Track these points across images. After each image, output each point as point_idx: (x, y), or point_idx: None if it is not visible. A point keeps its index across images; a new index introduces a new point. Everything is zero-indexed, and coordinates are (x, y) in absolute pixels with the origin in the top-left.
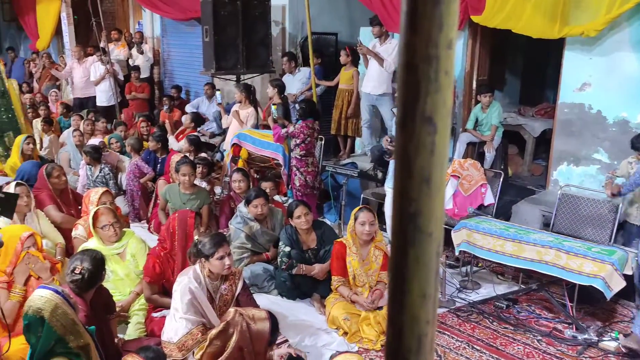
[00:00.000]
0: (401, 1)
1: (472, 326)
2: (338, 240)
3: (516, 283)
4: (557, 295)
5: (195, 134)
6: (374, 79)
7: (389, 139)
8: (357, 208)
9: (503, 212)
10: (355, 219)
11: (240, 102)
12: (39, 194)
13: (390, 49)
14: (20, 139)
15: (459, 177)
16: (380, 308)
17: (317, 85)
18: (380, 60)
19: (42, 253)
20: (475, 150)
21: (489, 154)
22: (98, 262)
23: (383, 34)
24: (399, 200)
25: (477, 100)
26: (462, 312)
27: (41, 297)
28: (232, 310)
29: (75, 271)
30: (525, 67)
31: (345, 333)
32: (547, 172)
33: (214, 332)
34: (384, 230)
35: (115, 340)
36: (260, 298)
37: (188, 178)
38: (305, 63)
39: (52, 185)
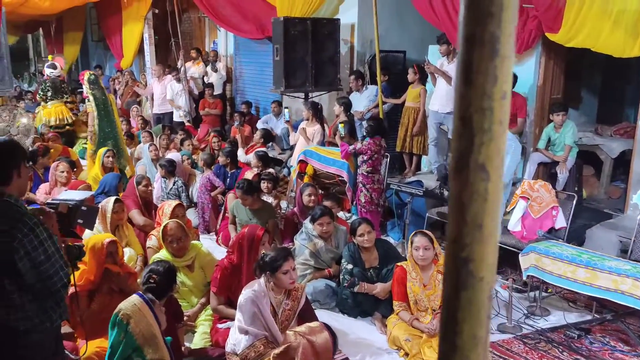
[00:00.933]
0: (457, 56)
1: (539, 355)
2: (399, 264)
3: (589, 312)
4: (635, 327)
5: (264, 149)
6: (442, 97)
7: None
8: (414, 233)
9: (576, 236)
10: (412, 243)
11: (307, 119)
12: (125, 200)
13: None
14: (101, 151)
15: (528, 199)
16: None
17: (383, 103)
18: (448, 78)
19: (121, 260)
20: (547, 171)
21: (562, 175)
22: (171, 273)
23: (451, 52)
24: (452, 245)
25: (550, 119)
26: (530, 339)
27: (133, 305)
28: (290, 333)
29: (150, 280)
30: (604, 84)
31: (406, 354)
32: (625, 195)
33: (276, 351)
34: None
35: (182, 348)
36: (321, 314)
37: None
38: (373, 81)
39: (139, 194)
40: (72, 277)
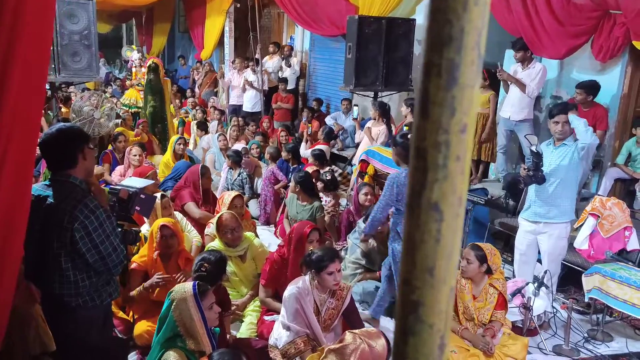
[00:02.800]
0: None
1: None
2: None
3: None
4: None
5: (320, 147)
6: (514, 104)
7: (526, 167)
8: (469, 244)
9: None
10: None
11: (374, 119)
12: (180, 191)
13: (534, 73)
14: (173, 139)
15: (598, 217)
16: None
17: None
18: (522, 86)
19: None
20: (624, 189)
21: None
22: (221, 263)
23: (527, 58)
24: (402, 287)
25: (633, 133)
26: None
27: (183, 292)
28: (349, 334)
29: (201, 268)
30: None
31: None
32: None
33: (332, 346)
34: (511, 263)
35: (227, 336)
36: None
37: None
38: None
39: (202, 185)
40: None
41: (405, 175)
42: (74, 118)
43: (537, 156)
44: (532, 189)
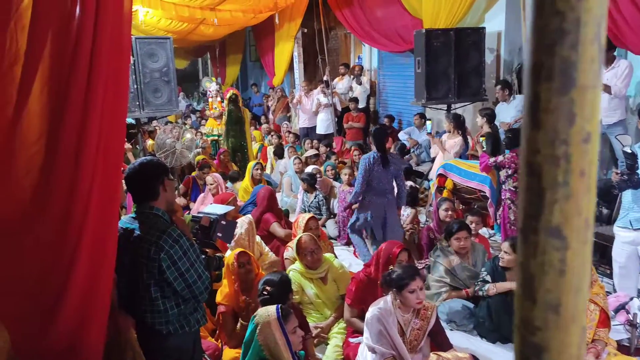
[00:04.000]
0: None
1: None
2: None
3: None
4: None
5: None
6: (604, 107)
7: (619, 172)
8: None
9: None
10: None
11: (448, 131)
12: (265, 214)
13: (620, 72)
14: (251, 165)
15: None
16: None
17: None
18: (607, 87)
19: (257, 262)
20: None
21: None
22: (283, 284)
23: (610, 58)
24: (520, 326)
25: None
26: None
27: (267, 316)
28: (433, 356)
29: (263, 292)
30: None
31: None
32: None
33: None
34: (610, 276)
35: (310, 358)
36: (457, 336)
37: None
38: (522, 90)
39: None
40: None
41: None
42: (158, 150)
43: (632, 158)
44: (627, 194)
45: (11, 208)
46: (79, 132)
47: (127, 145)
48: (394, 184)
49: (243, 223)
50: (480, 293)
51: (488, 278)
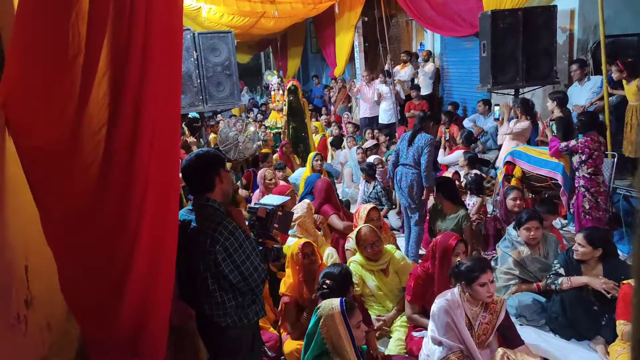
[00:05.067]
0: None
1: None
2: (625, 282)
3: None
4: None
5: (467, 151)
6: None
7: None
8: None
9: None
10: None
11: (516, 117)
12: (323, 206)
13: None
14: (311, 156)
15: None
16: None
17: (610, 95)
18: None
19: (320, 260)
20: None
21: None
22: (344, 277)
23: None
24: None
25: None
26: None
27: (330, 309)
28: (500, 351)
29: (323, 285)
30: None
31: None
32: None
33: None
34: None
35: (372, 352)
36: (528, 331)
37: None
38: (597, 71)
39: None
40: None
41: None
42: (221, 143)
43: None
44: None
45: (76, 201)
46: (134, 122)
47: (192, 139)
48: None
49: (303, 206)
50: (553, 287)
51: (561, 271)
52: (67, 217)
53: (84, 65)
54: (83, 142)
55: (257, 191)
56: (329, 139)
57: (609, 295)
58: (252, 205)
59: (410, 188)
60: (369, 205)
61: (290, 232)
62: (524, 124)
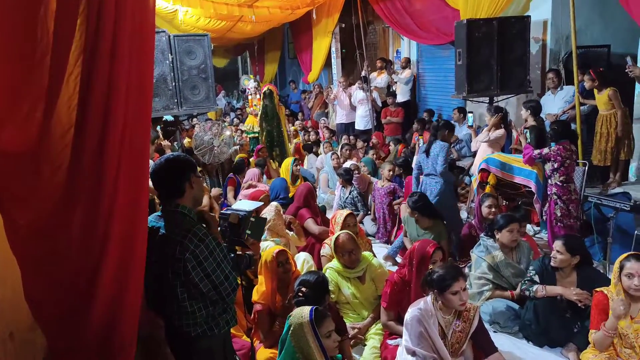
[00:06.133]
0: None
1: None
2: (598, 290)
3: None
4: None
5: None
6: None
7: None
8: (625, 255)
9: None
10: (621, 268)
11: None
12: (300, 210)
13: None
14: (289, 161)
15: None
16: None
17: (582, 104)
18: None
19: (294, 268)
20: None
21: None
22: (320, 285)
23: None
24: None
25: None
26: None
27: (300, 318)
28: None
29: (299, 293)
30: None
31: None
32: None
33: None
34: None
35: None
36: (501, 338)
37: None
38: (569, 81)
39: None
40: (240, 285)
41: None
42: (196, 147)
43: None
44: None
45: (43, 207)
46: (102, 124)
47: (166, 143)
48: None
49: (270, 209)
50: (527, 293)
51: (536, 278)
52: (33, 223)
53: (52, 65)
54: (51, 145)
55: (242, 193)
56: (302, 144)
57: (581, 305)
58: (224, 211)
59: (438, 196)
60: (346, 211)
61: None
62: (499, 132)
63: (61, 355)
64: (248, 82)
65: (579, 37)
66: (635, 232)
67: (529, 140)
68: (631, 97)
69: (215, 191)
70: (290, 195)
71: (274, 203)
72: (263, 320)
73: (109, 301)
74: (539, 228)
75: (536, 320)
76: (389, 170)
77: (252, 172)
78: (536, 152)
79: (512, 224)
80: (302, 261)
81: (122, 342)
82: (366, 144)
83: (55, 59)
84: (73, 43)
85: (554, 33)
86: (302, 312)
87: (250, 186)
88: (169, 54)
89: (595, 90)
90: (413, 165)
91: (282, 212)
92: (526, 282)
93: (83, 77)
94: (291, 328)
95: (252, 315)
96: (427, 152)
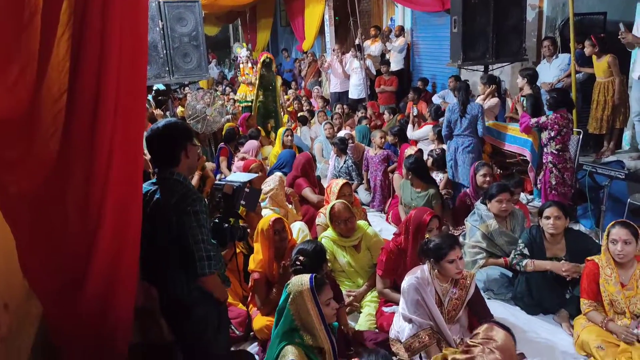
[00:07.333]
0: None
1: None
2: (590, 258)
3: None
4: None
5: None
6: None
7: None
8: (612, 223)
9: None
10: (608, 235)
11: (483, 94)
12: (298, 179)
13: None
14: (281, 131)
15: None
16: None
17: (577, 72)
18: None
19: (290, 236)
20: None
21: None
22: (318, 254)
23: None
24: None
25: None
26: None
27: (300, 285)
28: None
29: (296, 262)
30: None
31: None
32: None
33: (457, 357)
34: None
35: (343, 328)
36: (495, 305)
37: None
38: (565, 49)
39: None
40: (235, 256)
41: None
42: (189, 116)
43: None
44: None
45: (35, 175)
46: (96, 88)
47: (158, 112)
48: None
49: (275, 179)
50: (518, 268)
51: (526, 251)
52: (26, 191)
53: (42, 25)
54: (43, 110)
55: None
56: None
57: (568, 279)
58: (218, 181)
59: (472, 153)
60: (341, 181)
61: (262, 204)
62: (493, 100)
63: (57, 324)
64: (240, 51)
65: (576, 5)
66: (628, 199)
67: (525, 108)
68: (627, 65)
69: (208, 166)
70: (270, 165)
71: (278, 173)
72: (260, 289)
73: (105, 269)
74: (532, 196)
75: (529, 294)
76: (381, 138)
77: (250, 144)
78: (533, 120)
79: (502, 194)
80: (298, 230)
81: (119, 311)
82: (362, 112)
83: (45, 19)
84: (64, 2)
85: (551, 0)
86: (302, 280)
87: (243, 159)
88: (159, 21)
89: (594, 57)
90: (442, 128)
91: (285, 182)
92: (517, 256)
93: (74, 39)
94: (290, 296)
95: (249, 283)
96: (462, 112)
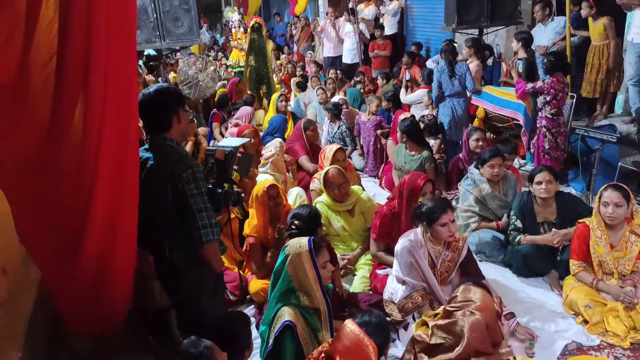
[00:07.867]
0: None
1: None
2: (581, 220)
3: None
4: None
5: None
6: None
7: None
8: (604, 186)
9: None
10: (600, 197)
11: (468, 57)
12: (293, 145)
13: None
14: (275, 97)
15: None
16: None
17: (572, 35)
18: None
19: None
20: None
21: None
22: (313, 218)
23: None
24: None
25: None
26: None
27: (298, 247)
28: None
29: (292, 226)
30: None
31: (585, 322)
32: None
33: (439, 322)
34: None
35: (338, 290)
36: (487, 267)
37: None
38: (561, 12)
39: (307, 138)
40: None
41: None
42: (181, 82)
43: None
44: None
45: (28, 141)
46: (85, 50)
47: (150, 77)
48: None
49: (275, 144)
50: (512, 243)
51: (518, 223)
52: (19, 158)
53: None
54: (32, 75)
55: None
56: (293, 80)
57: (560, 247)
58: (210, 147)
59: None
60: (335, 146)
61: (263, 169)
62: (474, 64)
63: (56, 289)
64: (232, 15)
65: None
66: (620, 163)
67: (520, 73)
68: (622, 28)
69: (201, 130)
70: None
71: (279, 139)
72: (256, 253)
73: (102, 233)
74: (524, 161)
75: (526, 267)
76: (377, 106)
77: (244, 109)
78: (529, 86)
79: (494, 159)
80: (296, 195)
81: (119, 275)
82: (359, 78)
83: None
84: None
85: None
86: (300, 242)
87: (237, 125)
88: None
89: (590, 19)
90: (433, 89)
91: (284, 149)
92: (512, 232)
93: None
94: (288, 258)
95: (244, 247)
96: (451, 73)
